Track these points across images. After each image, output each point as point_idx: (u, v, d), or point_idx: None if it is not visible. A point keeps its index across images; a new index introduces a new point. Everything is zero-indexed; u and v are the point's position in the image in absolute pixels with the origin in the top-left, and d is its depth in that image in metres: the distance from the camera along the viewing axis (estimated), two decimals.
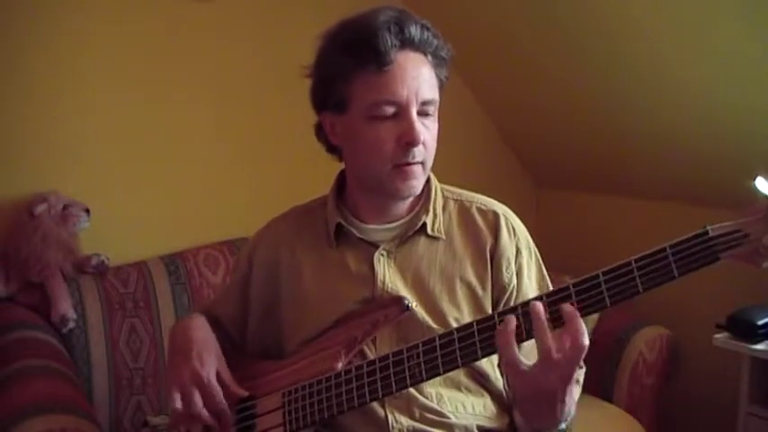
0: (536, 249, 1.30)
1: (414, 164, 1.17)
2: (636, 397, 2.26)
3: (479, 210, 1.28)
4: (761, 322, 1.97)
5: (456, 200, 1.29)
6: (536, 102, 2.70)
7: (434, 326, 1.18)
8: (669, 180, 2.47)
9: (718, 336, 2.04)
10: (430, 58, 1.18)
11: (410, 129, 1.14)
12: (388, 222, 1.25)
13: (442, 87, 1.22)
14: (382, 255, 1.23)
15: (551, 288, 1.25)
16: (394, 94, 1.14)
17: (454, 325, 1.17)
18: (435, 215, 1.25)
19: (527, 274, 1.25)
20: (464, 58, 2.75)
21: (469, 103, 2.91)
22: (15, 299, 2.05)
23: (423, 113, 1.17)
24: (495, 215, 1.27)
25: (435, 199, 1.27)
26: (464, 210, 1.28)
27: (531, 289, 1.25)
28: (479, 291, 1.22)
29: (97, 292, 2.09)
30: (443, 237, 1.24)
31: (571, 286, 1.00)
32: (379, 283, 1.21)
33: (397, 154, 1.15)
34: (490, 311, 1.21)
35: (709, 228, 0.92)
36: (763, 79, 1.95)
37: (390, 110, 1.15)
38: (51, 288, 2.02)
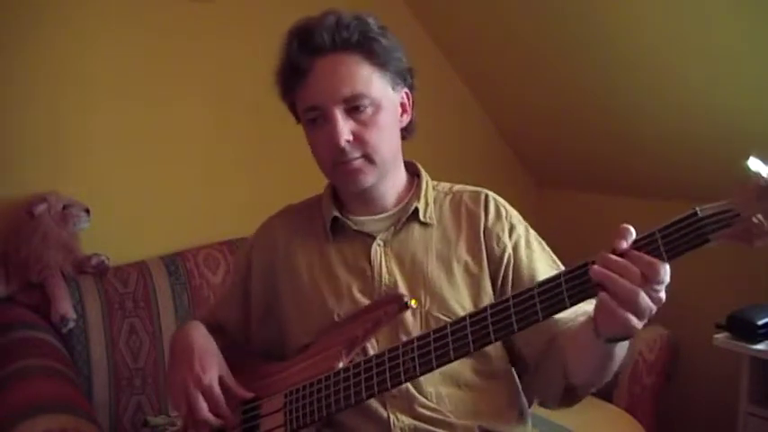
0: (533, 230, 1.31)
1: (350, 161, 1.20)
2: (636, 397, 2.26)
3: (470, 196, 1.31)
4: (761, 322, 1.96)
5: (446, 192, 1.32)
6: (536, 101, 2.70)
7: (436, 313, 1.19)
8: (670, 180, 2.47)
9: (718, 336, 2.03)
10: (358, 54, 1.19)
11: (331, 130, 1.17)
12: (379, 213, 1.28)
13: (399, 77, 1.23)
14: (379, 245, 1.25)
15: (555, 258, 1.28)
16: (312, 101, 1.19)
17: (457, 308, 1.19)
18: (427, 203, 1.28)
19: (525, 245, 1.26)
20: (464, 57, 2.77)
21: (469, 102, 2.91)
22: (15, 299, 2.05)
23: (354, 110, 1.19)
24: (486, 197, 1.30)
25: (427, 189, 1.30)
26: (455, 200, 1.31)
27: (535, 259, 1.25)
28: (476, 269, 1.23)
29: (97, 292, 2.09)
30: (435, 223, 1.27)
31: (562, 275, 0.98)
32: (377, 275, 1.22)
33: (333, 154, 1.19)
34: (489, 290, 1.23)
35: (698, 209, 0.90)
36: (763, 79, 1.95)
37: (316, 114, 1.20)
38: (51, 288, 2.02)
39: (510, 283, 1.23)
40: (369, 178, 1.22)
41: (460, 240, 1.25)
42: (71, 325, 2.01)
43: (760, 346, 1.95)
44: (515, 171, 3.06)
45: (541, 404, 1.27)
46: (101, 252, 2.14)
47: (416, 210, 1.26)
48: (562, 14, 2.28)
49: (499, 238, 1.25)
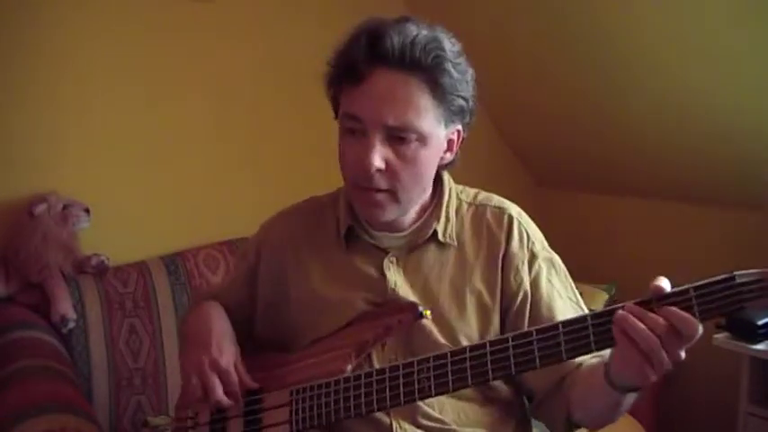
0: (556, 255, 1.24)
1: (373, 190, 1.12)
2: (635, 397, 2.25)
3: (493, 213, 1.23)
4: (761, 322, 1.97)
5: (470, 203, 1.25)
6: (536, 101, 2.70)
7: (443, 341, 1.15)
8: (669, 180, 2.47)
9: (718, 336, 2.04)
10: (423, 82, 1.09)
11: (364, 151, 1.09)
12: (396, 231, 1.22)
13: (456, 114, 1.14)
14: (391, 262, 1.20)
15: (576, 292, 1.23)
16: (356, 111, 1.10)
17: (463, 340, 1.15)
18: (447, 220, 1.21)
19: (546, 278, 1.20)
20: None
21: None
22: (15, 299, 2.05)
23: (397, 139, 1.09)
24: (510, 219, 1.22)
25: (449, 202, 1.23)
26: (478, 214, 1.23)
27: (554, 293, 1.20)
28: (488, 300, 1.18)
29: (97, 292, 2.09)
30: (455, 243, 1.20)
31: (589, 317, 0.97)
32: (390, 291, 1.18)
33: (358, 174, 1.11)
34: (497, 323, 1.19)
35: (735, 273, 0.87)
36: (763, 79, 1.95)
37: (356, 125, 1.11)
38: (51, 288, 2.02)
39: (526, 319, 1.18)
40: (388, 215, 1.15)
41: (477, 266, 1.19)
42: (71, 325, 2.01)
43: (760, 346, 1.95)
44: (515, 171, 3.05)
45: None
46: (101, 252, 2.14)
47: (435, 230, 1.20)
48: (562, 15, 2.28)
49: (517, 271, 1.19)
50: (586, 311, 1.16)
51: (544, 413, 1.20)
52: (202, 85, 2.37)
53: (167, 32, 2.30)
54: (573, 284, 1.25)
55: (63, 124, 2.17)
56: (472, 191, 1.28)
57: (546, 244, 1.25)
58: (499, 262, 1.19)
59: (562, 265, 1.25)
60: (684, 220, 2.40)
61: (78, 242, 2.14)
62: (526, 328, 1.11)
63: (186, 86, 2.34)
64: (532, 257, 1.20)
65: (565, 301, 1.20)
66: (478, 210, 1.24)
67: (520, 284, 1.19)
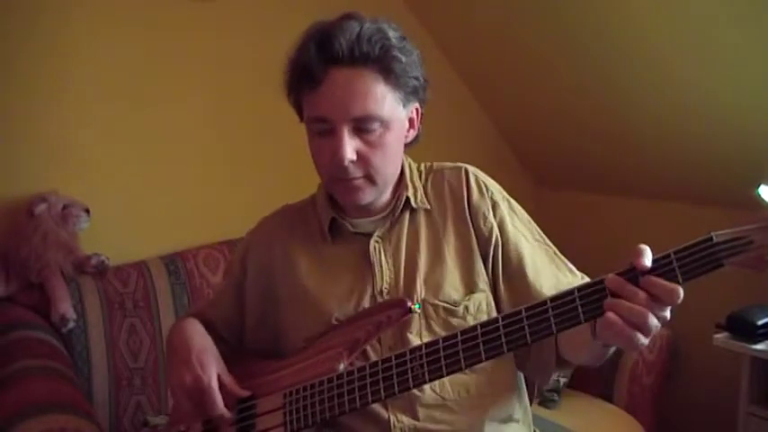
0: (515, 203, 1.31)
1: (351, 179, 1.18)
2: (636, 396, 2.26)
3: (451, 173, 1.31)
4: (761, 322, 1.97)
5: (428, 171, 1.32)
6: (536, 101, 2.70)
7: (432, 300, 1.20)
8: (670, 180, 2.47)
9: (718, 336, 2.04)
10: (376, 71, 1.15)
11: (336, 147, 1.15)
12: (376, 215, 1.27)
13: (412, 94, 1.20)
14: (377, 242, 1.25)
15: (541, 233, 1.30)
16: (321, 112, 1.16)
17: (451, 292, 1.21)
18: (415, 188, 1.28)
19: (510, 223, 1.26)
20: (464, 57, 2.77)
21: (469, 102, 2.91)
22: (15, 299, 2.05)
23: (362, 130, 1.16)
24: (467, 173, 1.30)
25: (411, 175, 1.30)
26: (437, 178, 1.31)
27: (520, 236, 1.26)
28: (466, 251, 1.24)
29: (97, 292, 2.09)
30: (426, 206, 1.27)
31: (576, 290, 0.99)
32: (377, 274, 1.22)
33: (333, 169, 1.18)
34: (482, 270, 1.24)
35: (713, 234, 0.91)
36: (764, 79, 1.95)
37: (323, 126, 1.17)
38: (51, 288, 2.02)
39: (500, 265, 1.24)
40: (367, 197, 1.21)
41: (448, 222, 1.26)
42: (71, 325, 2.01)
43: (760, 346, 1.95)
44: (514, 171, 3.06)
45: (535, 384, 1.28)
46: (101, 252, 2.14)
47: (407, 199, 1.27)
48: (563, 15, 2.28)
49: (485, 218, 1.26)
50: (553, 248, 1.27)
51: (533, 364, 1.23)
52: (202, 84, 2.37)
53: (168, 32, 2.30)
54: (537, 227, 1.31)
55: (63, 124, 2.17)
56: (428, 163, 1.35)
57: (505, 193, 1.32)
58: (466, 213, 1.26)
59: (523, 210, 1.32)
60: (684, 220, 2.40)
61: (78, 242, 2.14)
62: (501, 276, 1.24)
63: (186, 86, 2.34)
64: (494, 205, 1.27)
65: (531, 243, 1.27)
66: (437, 175, 1.32)
67: (491, 230, 1.25)
